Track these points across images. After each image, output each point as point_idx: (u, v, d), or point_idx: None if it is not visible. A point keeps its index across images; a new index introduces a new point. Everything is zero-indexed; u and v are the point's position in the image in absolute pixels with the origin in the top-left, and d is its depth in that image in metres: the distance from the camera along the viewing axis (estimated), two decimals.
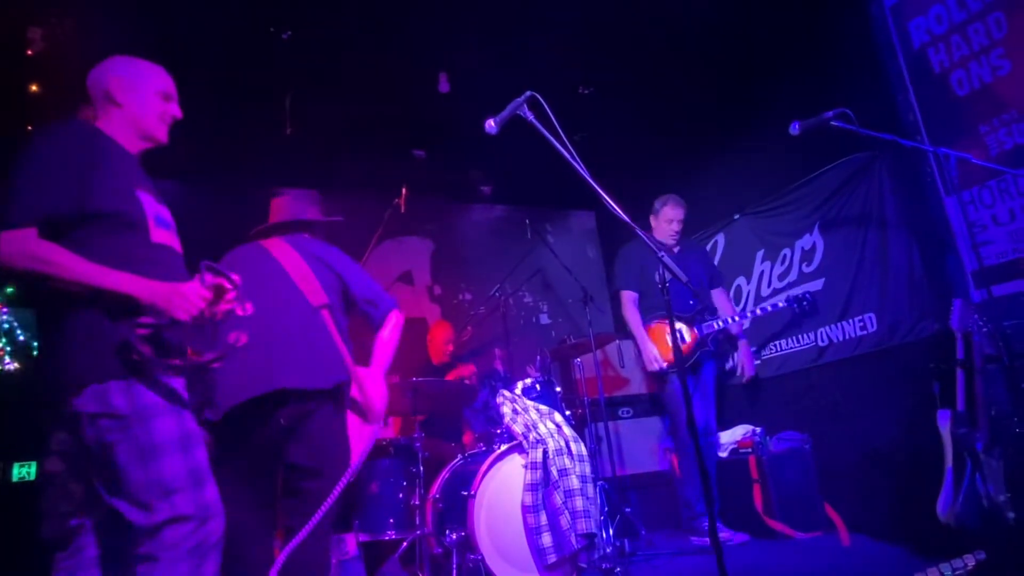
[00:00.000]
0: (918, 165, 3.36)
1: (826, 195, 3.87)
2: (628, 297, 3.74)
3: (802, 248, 4.03)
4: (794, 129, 2.83)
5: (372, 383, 2.11)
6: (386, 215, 3.85)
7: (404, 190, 3.87)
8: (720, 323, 3.63)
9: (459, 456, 3.23)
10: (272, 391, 1.95)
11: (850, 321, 3.73)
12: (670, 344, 3.39)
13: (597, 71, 4.28)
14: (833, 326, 3.81)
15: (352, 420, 2.08)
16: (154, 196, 1.65)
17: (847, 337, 3.74)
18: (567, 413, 3.37)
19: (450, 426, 4.04)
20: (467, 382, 4.07)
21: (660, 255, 1.84)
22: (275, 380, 1.95)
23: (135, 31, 2.93)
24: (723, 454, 3.80)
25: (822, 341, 3.88)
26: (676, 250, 3.79)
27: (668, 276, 2.91)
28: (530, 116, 1.97)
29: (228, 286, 1.54)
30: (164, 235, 1.63)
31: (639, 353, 3.68)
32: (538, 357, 3.93)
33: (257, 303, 1.73)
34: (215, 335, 1.53)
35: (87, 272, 1.43)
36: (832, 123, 2.73)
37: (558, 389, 3.48)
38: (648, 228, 3.83)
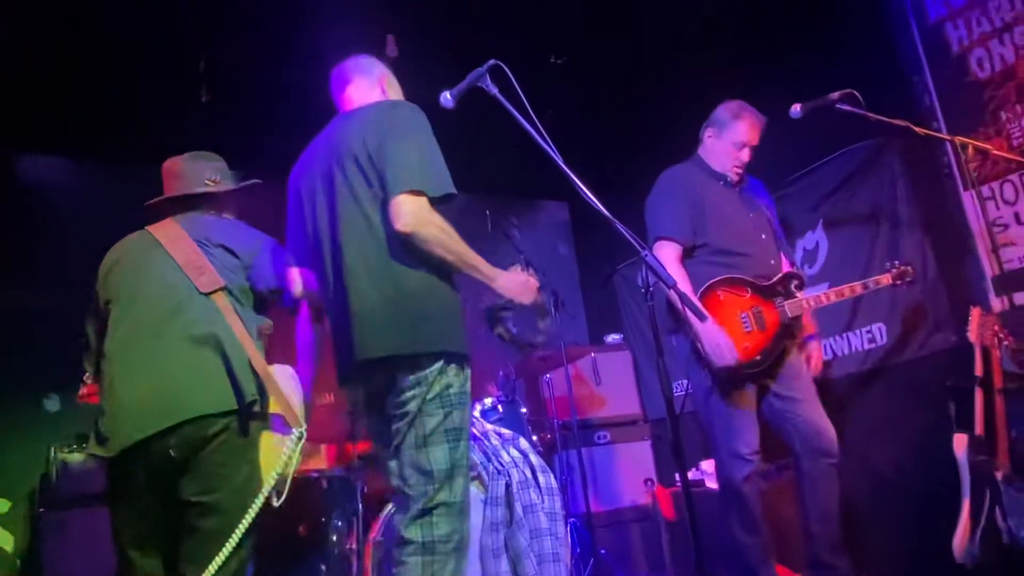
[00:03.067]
0: (933, 155, 3.46)
1: (831, 187, 3.95)
2: (673, 251, 2.88)
3: (804, 248, 4.11)
4: (795, 112, 2.87)
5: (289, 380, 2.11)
6: None
7: None
8: (811, 301, 2.91)
9: None
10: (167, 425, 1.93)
11: (856, 332, 3.82)
12: (743, 326, 2.82)
13: (572, 39, 4.29)
14: (838, 338, 3.89)
15: (272, 439, 2.06)
16: None
17: (853, 351, 3.83)
18: (534, 439, 3.36)
19: None
20: None
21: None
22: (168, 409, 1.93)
23: None
24: (713, 484, 3.84)
25: (825, 355, 3.96)
26: (740, 188, 3.07)
27: (748, 217, 2.66)
28: (493, 89, 1.95)
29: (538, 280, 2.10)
30: None
31: (689, 337, 2.83)
32: (500, 372, 3.91)
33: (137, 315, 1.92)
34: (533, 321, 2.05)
35: (465, 251, 1.94)
36: (837, 106, 2.79)
37: (523, 410, 3.46)
38: (690, 152, 3.15)
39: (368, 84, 2.28)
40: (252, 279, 2.20)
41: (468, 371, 1.97)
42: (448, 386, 1.91)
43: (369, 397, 2.03)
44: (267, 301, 2.24)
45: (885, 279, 3.00)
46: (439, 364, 1.90)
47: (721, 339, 2.72)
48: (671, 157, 3.17)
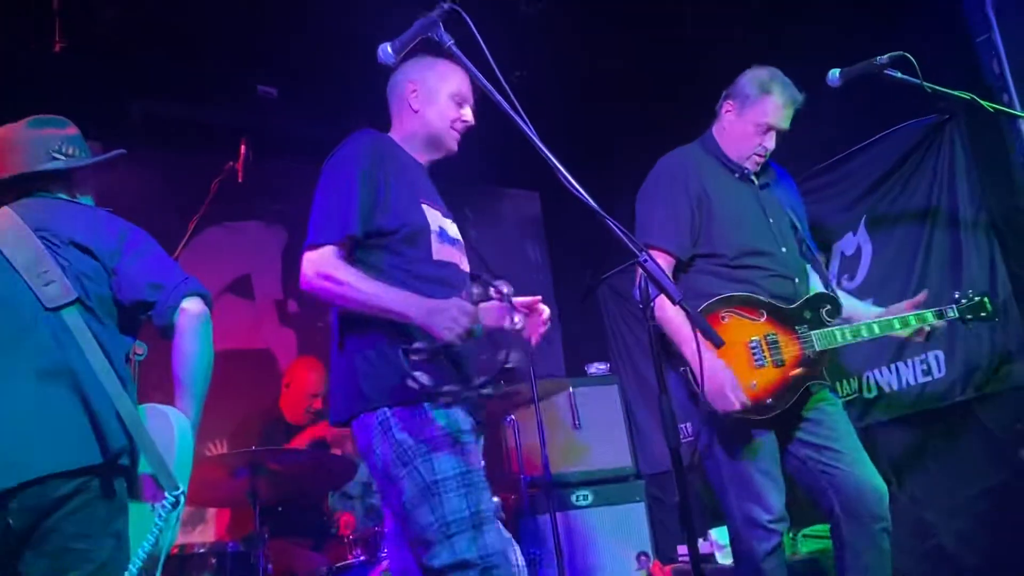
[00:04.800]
0: (1004, 136, 3.53)
1: (876, 177, 4.01)
2: (663, 265, 2.72)
3: (842, 253, 4.16)
4: (833, 80, 2.90)
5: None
6: (212, 187, 3.73)
7: (243, 148, 3.75)
8: (848, 334, 2.87)
9: (323, 569, 3.20)
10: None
11: (908, 363, 3.87)
12: (752, 359, 2.78)
13: None
14: (885, 370, 3.94)
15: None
16: (440, 209, 2.39)
17: (904, 385, 3.88)
18: (495, 500, 3.31)
19: (310, 522, 3.97)
20: (334, 450, 3.99)
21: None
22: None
23: None
24: (724, 560, 3.84)
25: (869, 391, 4.01)
26: (761, 181, 3.04)
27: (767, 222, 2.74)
28: (448, 40, 1.96)
29: (496, 297, 2.08)
30: (448, 252, 2.32)
31: (688, 371, 2.80)
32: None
33: None
34: (487, 357, 2.05)
35: (371, 292, 2.12)
36: (886, 72, 2.83)
37: (482, 463, 3.42)
38: (700, 131, 3.12)
39: (393, 111, 2.51)
40: (116, 287, 2.15)
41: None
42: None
43: None
44: (138, 317, 2.20)
45: (947, 312, 2.91)
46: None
47: (721, 375, 2.68)
48: (676, 135, 3.15)
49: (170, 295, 2.16)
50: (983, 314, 2.91)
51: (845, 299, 3.02)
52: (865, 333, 2.89)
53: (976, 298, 2.92)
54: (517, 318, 2.13)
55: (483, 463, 2.33)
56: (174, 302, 2.16)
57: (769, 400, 2.77)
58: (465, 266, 2.40)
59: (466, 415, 2.21)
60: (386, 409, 2.15)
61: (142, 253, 2.21)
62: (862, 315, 2.99)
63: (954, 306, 2.92)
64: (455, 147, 2.47)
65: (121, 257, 2.17)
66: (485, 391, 2.08)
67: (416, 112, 2.42)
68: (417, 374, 2.01)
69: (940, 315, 2.90)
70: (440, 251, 2.30)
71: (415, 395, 2.07)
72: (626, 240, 1.86)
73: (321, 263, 2.16)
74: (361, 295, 2.13)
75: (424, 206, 2.31)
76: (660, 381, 2.19)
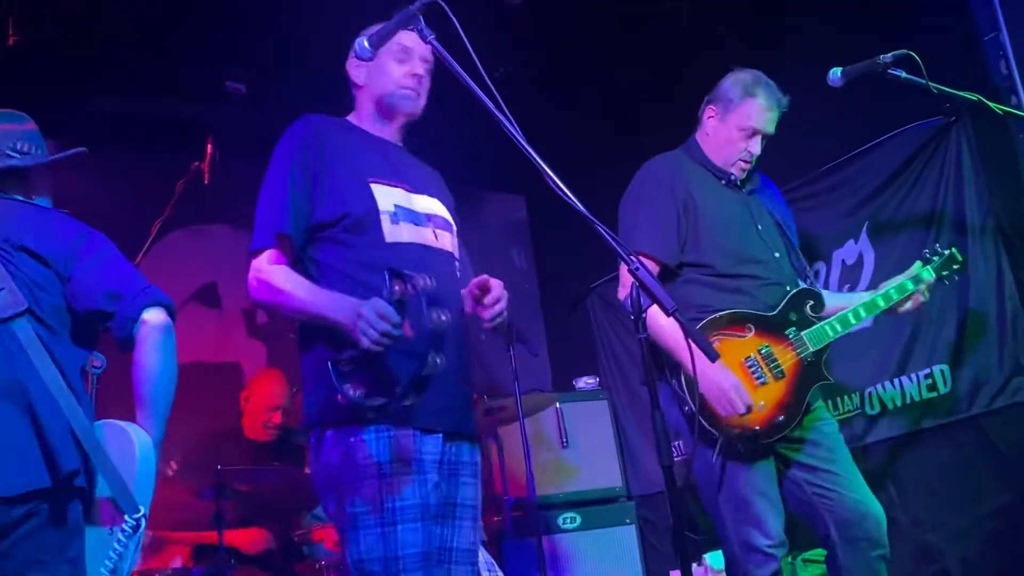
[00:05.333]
0: (1012, 139, 3.54)
1: (879, 182, 4.02)
2: (654, 271, 2.85)
3: (843, 262, 4.17)
4: (834, 79, 2.91)
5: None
6: (177, 188, 3.74)
7: (209, 147, 3.73)
8: (838, 325, 2.89)
9: None
10: None
11: (912, 377, 3.87)
12: (752, 377, 2.79)
13: None
14: (888, 384, 3.95)
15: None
16: (406, 184, 2.28)
17: (909, 401, 3.88)
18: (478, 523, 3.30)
19: (281, 546, 3.90)
20: (307, 470, 3.95)
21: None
22: None
23: None
24: None
25: (872, 407, 4.01)
26: (747, 188, 3.08)
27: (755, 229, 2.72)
28: (428, 35, 1.97)
29: (412, 293, 1.94)
30: (411, 231, 2.19)
31: (681, 382, 2.79)
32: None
33: None
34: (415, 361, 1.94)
35: (304, 298, 2.07)
36: (890, 72, 2.83)
37: (460, 497, 3.40)
38: (686, 135, 3.15)
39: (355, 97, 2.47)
40: (71, 296, 2.14)
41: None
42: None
43: None
44: (95, 328, 2.18)
45: (923, 276, 2.97)
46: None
47: (719, 377, 2.68)
48: (664, 139, 3.16)
49: (129, 306, 2.14)
50: (955, 267, 3.00)
51: (826, 294, 3.03)
52: (853, 320, 2.91)
53: (945, 252, 3.00)
54: (436, 313, 1.94)
55: (470, 495, 2.21)
56: (134, 313, 2.14)
57: (781, 417, 2.77)
58: (444, 242, 2.31)
59: (416, 440, 2.08)
60: (319, 429, 2.10)
61: (100, 259, 2.19)
62: (845, 304, 3.00)
63: (929, 267, 2.98)
64: (413, 107, 2.35)
65: (77, 263, 2.15)
66: (406, 401, 1.97)
67: (363, 86, 2.38)
68: (346, 387, 1.93)
69: (917, 280, 2.96)
70: (396, 232, 2.18)
71: (345, 413, 2.01)
72: (617, 247, 1.86)
73: (259, 270, 2.12)
74: (296, 302, 2.08)
75: (375, 185, 2.21)
76: (652, 396, 2.17)
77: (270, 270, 2.11)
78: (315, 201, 2.16)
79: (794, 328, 2.85)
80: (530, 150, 1.86)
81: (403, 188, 2.27)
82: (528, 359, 4.22)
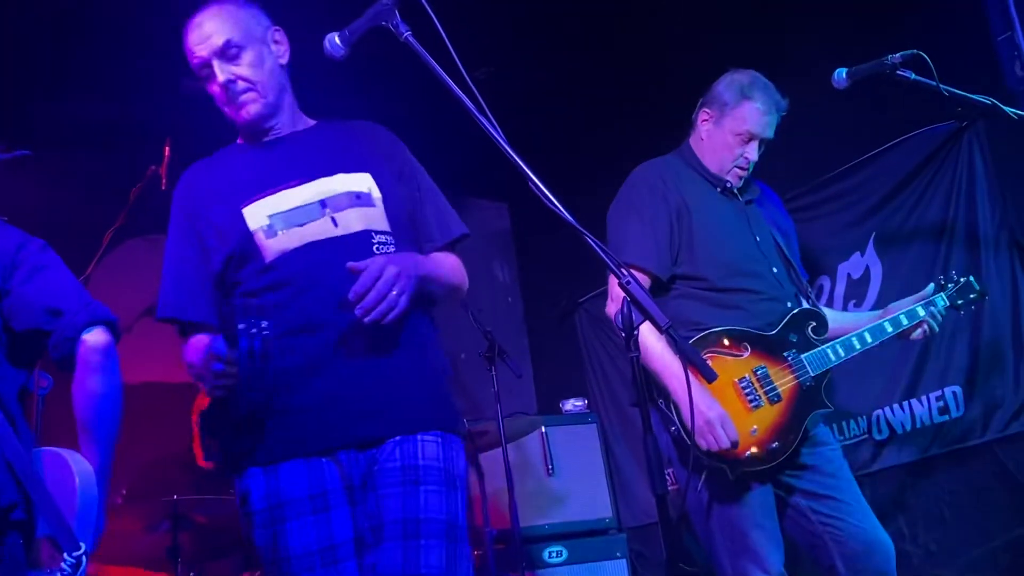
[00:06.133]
0: None
1: (886, 190, 4.04)
2: (644, 285, 2.64)
3: (848, 275, 4.19)
4: (839, 81, 2.93)
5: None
6: (132, 194, 3.73)
7: (167, 150, 3.71)
8: (840, 349, 2.89)
9: None
10: None
11: (923, 400, 3.89)
12: (746, 400, 2.78)
13: None
14: (897, 408, 3.96)
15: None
16: (295, 180, 2.20)
17: (919, 425, 3.89)
18: None
19: None
20: None
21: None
22: None
23: None
24: None
25: (879, 431, 4.02)
26: (745, 197, 3.09)
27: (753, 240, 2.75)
28: (404, 31, 1.96)
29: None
30: (298, 235, 2.12)
31: (669, 405, 2.77)
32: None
33: None
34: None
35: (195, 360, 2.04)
36: (898, 73, 2.86)
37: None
38: (676, 144, 3.17)
39: None
40: (8, 312, 2.12)
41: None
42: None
43: None
44: (38, 347, 2.16)
45: (936, 303, 2.99)
46: None
47: (712, 411, 2.67)
48: (656, 143, 3.17)
49: (68, 324, 2.13)
50: (972, 295, 3.01)
51: (830, 314, 3.05)
52: (858, 344, 2.92)
53: (961, 280, 3.01)
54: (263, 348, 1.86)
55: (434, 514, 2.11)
56: (72, 333, 2.13)
57: (776, 444, 2.76)
58: (349, 223, 2.17)
59: (296, 474, 2.04)
60: (235, 477, 2.14)
61: (40, 271, 2.17)
62: (850, 325, 3.01)
63: (942, 294, 2.99)
64: (231, 105, 2.31)
65: (15, 275, 2.13)
66: (251, 442, 2.06)
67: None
68: (208, 442, 2.04)
69: (929, 306, 2.98)
70: (276, 244, 2.12)
71: (228, 463, 2.13)
72: (606, 258, 1.85)
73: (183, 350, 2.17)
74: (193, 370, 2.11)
75: (247, 208, 2.16)
76: (645, 420, 2.17)
77: (183, 346, 2.18)
78: (209, 262, 2.20)
79: (794, 350, 2.86)
80: (514, 155, 1.85)
81: (282, 189, 2.20)
82: (511, 380, 4.21)
